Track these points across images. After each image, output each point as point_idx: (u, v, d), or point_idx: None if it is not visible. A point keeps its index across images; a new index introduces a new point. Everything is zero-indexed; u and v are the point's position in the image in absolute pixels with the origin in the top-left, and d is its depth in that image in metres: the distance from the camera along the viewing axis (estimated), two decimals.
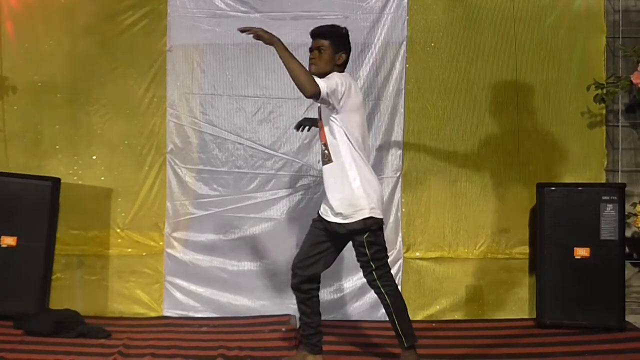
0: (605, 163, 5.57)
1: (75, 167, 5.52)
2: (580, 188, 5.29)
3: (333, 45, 4.18)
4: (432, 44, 5.55)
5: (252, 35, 4.03)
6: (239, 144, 5.53)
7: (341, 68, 4.22)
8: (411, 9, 5.49)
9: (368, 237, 4.13)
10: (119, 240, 5.49)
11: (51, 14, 5.48)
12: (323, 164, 4.24)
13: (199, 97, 5.53)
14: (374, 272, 4.17)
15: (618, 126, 5.59)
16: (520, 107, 5.54)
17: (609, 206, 5.17)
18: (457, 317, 5.50)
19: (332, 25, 4.32)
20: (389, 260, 5.39)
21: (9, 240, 5.16)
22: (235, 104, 5.51)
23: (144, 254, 5.51)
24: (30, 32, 5.48)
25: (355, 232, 4.13)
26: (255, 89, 5.52)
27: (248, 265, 5.50)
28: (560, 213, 5.23)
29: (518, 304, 5.53)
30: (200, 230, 5.51)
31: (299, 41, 5.40)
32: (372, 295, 5.43)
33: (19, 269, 5.13)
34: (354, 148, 4.12)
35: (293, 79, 4.00)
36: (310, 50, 4.24)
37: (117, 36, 5.49)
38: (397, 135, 5.52)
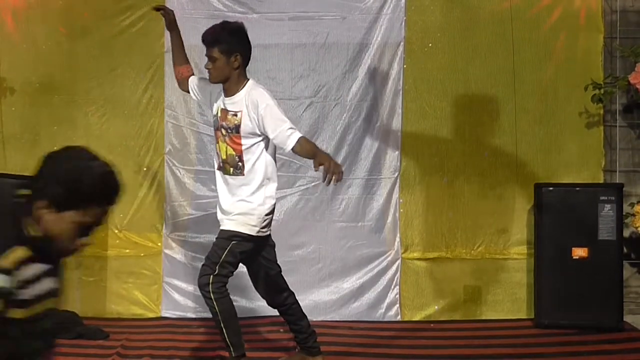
0: (603, 163, 5.57)
1: None
2: (578, 188, 5.29)
3: (223, 51, 4.04)
4: (430, 45, 5.54)
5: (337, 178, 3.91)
6: None
7: (241, 69, 4.10)
8: (409, 10, 5.48)
9: (236, 245, 4.05)
10: (117, 241, 5.49)
11: (49, 15, 5.47)
12: (228, 174, 4.11)
13: None
14: (211, 276, 4.04)
15: (616, 126, 5.58)
16: (518, 107, 5.54)
17: (607, 206, 5.17)
18: (455, 317, 5.49)
19: (219, 27, 4.14)
20: (387, 260, 5.49)
21: None
22: None
23: (142, 255, 5.51)
24: (29, 33, 5.48)
25: (231, 236, 4.05)
26: None
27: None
28: (558, 213, 5.23)
29: (516, 304, 5.52)
30: (199, 231, 5.50)
31: (296, 41, 5.48)
32: (369, 296, 5.47)
33: None
34: (269, 166, 4.09)
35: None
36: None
37: (115, 37, 5.48)
38: (395, 135, 5.52)
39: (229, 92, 4.13)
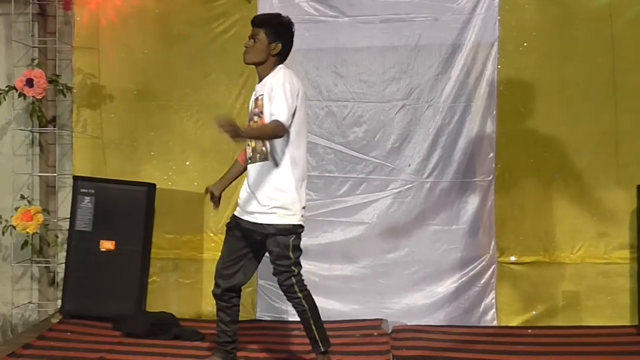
0: None
1: (170, 173, 5.64)
2: None
3: (268, 34, 4.12)
4: (525, 44, 5.41)
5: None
6: (329, 148, 5.53)
7: (279, 58, 4.14)
8: (502, 9, 5.37)
9: (294, 240, 4.03)
10: (212, 244, 5.57)
11: (146, 24, 5.63)
12: (254, 161, 4.13)
13: None
14: (293, 277, 4.05)
15: None
16: (619, 106, 5.34)
17: None
18: (553, 323, 5.34)
19: (272, 14, 4.32)
20: (482, 264, 5.40)
21: (108, 244, 5.32)
22: (325, 108, 5.52)
23: None
24: (126, 42, 5.65)
25: (284, 232, 4.02)
26: (344, 93, 5.52)
27: (339, 269, 5.49)
28: None
29: (618, 311, 5.33)
30: None
31: (388, 44, 5.45)
32: (465, 300, 5.39)
33: (117, 272, 5.29)
34: (294, 148, 4.03)
35: (265, 139, 4.01)
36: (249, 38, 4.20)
37: (209, 44, 5.58)
38: (490, 137, 5.41)
39: (260, 78, 4.18)
